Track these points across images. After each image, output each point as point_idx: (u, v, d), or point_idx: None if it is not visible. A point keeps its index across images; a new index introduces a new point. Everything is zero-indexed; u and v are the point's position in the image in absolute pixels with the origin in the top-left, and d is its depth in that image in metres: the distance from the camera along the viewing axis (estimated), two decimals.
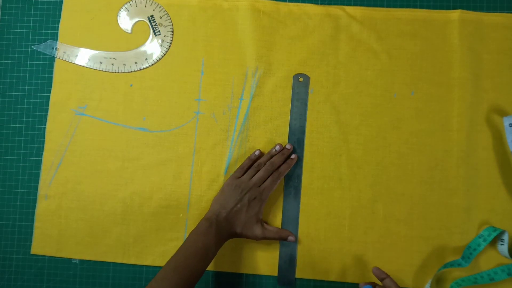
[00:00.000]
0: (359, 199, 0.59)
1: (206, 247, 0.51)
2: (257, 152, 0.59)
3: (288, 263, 0.58)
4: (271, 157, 0.59)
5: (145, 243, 0.60)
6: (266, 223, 0.59)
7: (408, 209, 0.59)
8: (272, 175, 0.57)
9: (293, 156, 0.59)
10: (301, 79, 0.61)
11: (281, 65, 0.62)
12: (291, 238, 0.57)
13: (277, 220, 0.60)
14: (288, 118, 0.61)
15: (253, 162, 0.59)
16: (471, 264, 0.56)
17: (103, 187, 0.61)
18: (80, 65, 0.63)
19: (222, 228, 0.54)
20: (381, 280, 0.50)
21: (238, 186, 0.56)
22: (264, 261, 0.59)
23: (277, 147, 0.59)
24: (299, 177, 0.60)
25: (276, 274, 0.59)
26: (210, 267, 0.59)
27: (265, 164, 0.58)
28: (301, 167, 0.60)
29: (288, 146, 0.59)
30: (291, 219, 0.59)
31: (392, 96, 0.61)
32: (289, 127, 0.61)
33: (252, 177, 0.57)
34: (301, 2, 0.63)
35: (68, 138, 0.62)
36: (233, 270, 0.59)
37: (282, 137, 0.61)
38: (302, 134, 0.60)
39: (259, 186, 0.57)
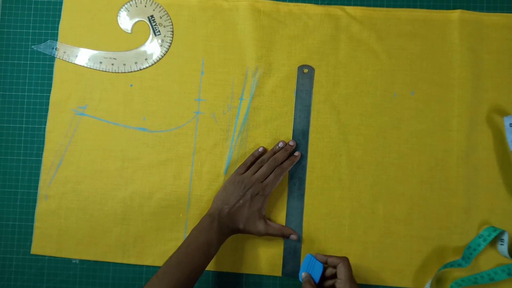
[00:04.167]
0: (359, 199, 0.59)
1: (208, 242, 0.52)
2: (260, 149, 0.60)
3: (292, 253, 0.59)
4: (274, 153, 0.59)
5: (145, 243, 0.60)
6: (270, 220, 0.59)
7: (408, 209, 0.59)
8: (275, 171, 0.57)
9: (296, 153, 0.59)
10: (305, 71, 0.61)
11: (281, 65, 0.62)
12: (293, 236, 0.57)
13: (281, 215, 0.60)
14: (288, 118, 0.61)
15: (257, 159, 0.59)
16: (471, 264, 0.56)
17: (103, 187, 0.61)
18: (80, 65, 0.63)
19: (224, 224, 0.54)
20: (335, 266, 0.52)
21: (241, 182, 0.56)
22: (265, 261, 0.59)
23: (280, 144, 0.59)
24: (304, 168, 0.60)
25: (277, 274, 0.59)
26: (210, 267, 0.59)
27: (268, 160, 0.58)
28: (306, 158, 0.60)
29: (291, 143, 0.60)
30: (296, 210, 0.59)
31: (392, 96, 0.61)
32: (294, 119, 0.61)
33: (255, 173, 0.57)
34: (301, 2, 0.63)
35: (68, 138, 0.62)
36: (234, 270, 0.59)
37: (282, 137, 0.61)
38: (307, 126, 0.60)
39: (262, 181, 0.57)
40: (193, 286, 0.50)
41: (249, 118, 0.61)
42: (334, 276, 0.53)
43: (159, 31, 0.63)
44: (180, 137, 0.61)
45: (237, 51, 0.62)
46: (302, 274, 0.53)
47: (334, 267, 0.52)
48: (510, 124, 0.57)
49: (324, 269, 0.53)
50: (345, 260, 0.51)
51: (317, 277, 0.52)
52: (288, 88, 0.62)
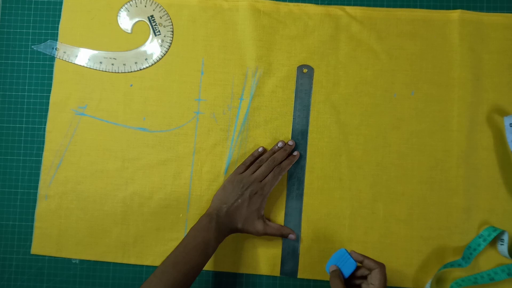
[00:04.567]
0: (359, 199, 0.59)
1: (206, 242, 0.52)
2: (260, 149, 0.60)
3: (291, 253, 0.59)
4: (274, 153, 0.59)
5: (145, 243, 0.60)
6: (268, 219, 0.59)
7: (408, 209, 0.59)
8: (273, 170, 0.57)
9: (295, 153, 0.60)
10: (305, 70, 0.61)
11: (281, 65, 0.62)
12: (291, 236, 0.57)
13: (280, 215, 0.60)
14: (288, 118, 0.61)
15: (256, 159, 0.59)
16: (471, 264, 0.56)
17: (103, 187, 0.61)
18: (80, 65, 0.63)
19: (222, 223, 0.54)
20: (369, 269, 0.51)
21: (240, 181, 0.56)
22: (265, 261, 0.59)
23: (280, 144, 0.59)
24: (303, 168, 0.60)
25: (276, 274, 0.59)
26: (210, 267, 0.59)
27: (267, 160, 0.58)
28: (305, 158, 0.60)
29: (290, 142, 0.60)
30: (294, 210, 0.59)
31: (392, 96, 0.61)
32: (293, 118, 0.61)
33: (254, 172, 0.57)
34: (301, 2, 0.63)
35: (68, 138, 0.62)
36: (234, 270, 0.59)
37: (282, 137, 0.61)
38: (306, 126, 0.60)
39: (261, 181, 0.57)
40: (191, 285, 0.50)
41: (249, 118, 0.61)
42: (363, 277, 0.52)
43: (159, 31, 0.63)
44: (180, 137, 0.61)
45: (237, 51, 0.62)
46: (331, 267, 0.52)
47: (368, 269, 0.51)
48: (510, 124, 0.57)
49: (357, 268, 0.52)
50: (383, 266, 0.50)
51: (347, 273, 0.51)
52: (288, 88, 0.62)
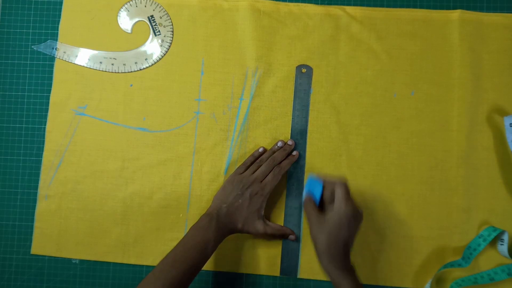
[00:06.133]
0: (359, 199, 0.59)
1: (205, 241, 0.52)
2: (260, 149, 0.60)
3: (291, 253, 0.59)
4: (273, 153, 0.59)
5: (145, 243, 0.60)
6: (269, 220, 0.59)
7: (408, 209, 0.59)
8: (273, 170, 0.57)
9: (294, 153, 0.60)
10: (304, 70, 0.61)
11: (281, 65, 0.62)
12: (292, 237, 0.57)
13: (280, 216, 0.60)
14: (288, 118, 0.61)
15: (256, 159, 0.59)
16: (471, 264, 0.56)
17: (103, 187, 0.61)
18: (80, 65, 0.63)
19: (222, 223, 0.54)
20: (332, 188, 0.52)
21: (240, 181, 0.56)
22: (265, 261, 0.59)
23: (279, 143, 0.59)
24: (302, 168, 0.60)
25: (276, 274, 0.59)
26: (210, 267, 0.59)
27: (267, 159, 0.58)
28: (304, 158, 0.60)
29: (289, 142, 0.60)
30: (294, 210, 0.59)
31: (392, 96, 0.61)
32: (292, 118, 0.61)
33: (254, 172, 0.57)
34: (301, 2, 0.63)
35: (68, 138, 0.62)
36: (234, 270, 0.59)
37: (282, 137, 0.61)
38: (305, 125, 0.60)
39: (261, 181, 0.57)
40: (190, 284, 0.50)
41: (249, 118, 0.61)
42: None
43: (159, 31, 0.63)
44: (180, 137, 0.61)
45: (237, 51, 0.62)
46: (304, 195, 0.54)
47: (332, 192, 0.52)
48: (510, 124, 0.57)
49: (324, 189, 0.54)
50: (340, 184, 0.51)
51: (318, 194, 0.53)
52: (288, 88, 0.62)
